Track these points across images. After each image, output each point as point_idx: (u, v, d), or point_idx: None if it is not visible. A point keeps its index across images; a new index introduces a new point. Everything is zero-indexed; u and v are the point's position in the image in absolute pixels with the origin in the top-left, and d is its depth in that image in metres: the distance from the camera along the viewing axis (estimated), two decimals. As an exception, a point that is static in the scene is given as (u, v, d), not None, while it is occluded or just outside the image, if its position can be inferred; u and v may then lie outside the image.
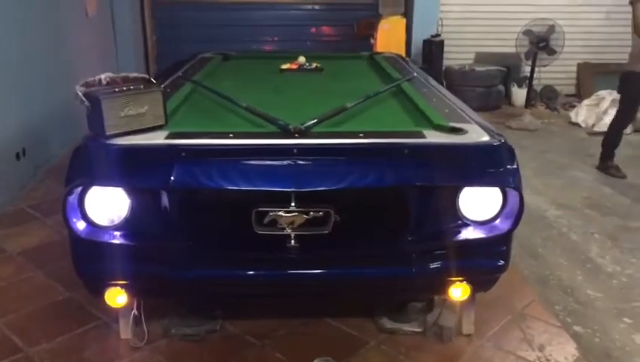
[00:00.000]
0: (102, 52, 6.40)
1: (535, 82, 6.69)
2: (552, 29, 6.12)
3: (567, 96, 7.56)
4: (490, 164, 2.18)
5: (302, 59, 3.93)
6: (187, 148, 2.10)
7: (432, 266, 2.21)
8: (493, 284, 2.41)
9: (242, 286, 2.27)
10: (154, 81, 2.35)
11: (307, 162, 2.09)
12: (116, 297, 2.28)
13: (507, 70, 7.14)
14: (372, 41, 6.95)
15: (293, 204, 2.03)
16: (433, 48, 6.87)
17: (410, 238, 2.16)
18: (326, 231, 2.07)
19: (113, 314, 2.54)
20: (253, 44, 7.50)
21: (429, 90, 3.15)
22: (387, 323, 2.62)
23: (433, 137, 2.23)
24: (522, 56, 6.37)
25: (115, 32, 6.83)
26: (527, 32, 6.20)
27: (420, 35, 7.09)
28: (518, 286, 2.99)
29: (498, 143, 2.19)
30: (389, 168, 2.11)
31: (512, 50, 7.10)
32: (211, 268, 2.19)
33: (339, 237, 2.10)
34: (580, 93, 7.45)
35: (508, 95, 7.37)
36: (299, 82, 3.51)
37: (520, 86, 7.24)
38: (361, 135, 2.21)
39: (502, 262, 2.27)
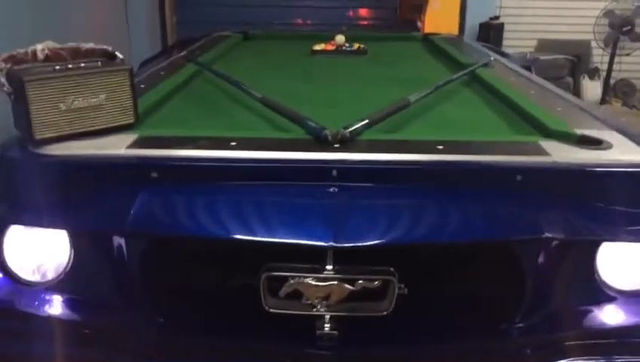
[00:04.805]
0: (110, 36, 5.62)
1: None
2: (638, 11, 5.13)
3: (644, 91, 6.52)
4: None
5: (340, 38, 3.07)
6: (161, 165, 1.29)
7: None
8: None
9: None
10: (119, 56, 1.52)
11: (354, 195, 1.25)
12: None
13: (577, 59, 6.13)
14: (419, 24, 6.04)
15: (329, 267, 1.20)
16: (491, 34, 5.91)
17: (520, 324, 1.30)
18: (384, 312, 1.23)
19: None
20: (284, 27, 6.67)
21: (519, 78, 2.27)
22: None
23: (560, 154, 1.36)
24: (600, 42, 5.38)
25: (128, 12, 6.05)
26: (607, 14, 5.21)
27: (475, 18, 6.12)
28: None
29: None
30: (492, 208, 1.26)
31: (581, 36, 6.12)
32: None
33: (405, 323, 1.26)
34: (661, 89, 6.42)
35: (576, 88, 6.36)
36: (336, 67, 2.67)
37: (592, 78, 6.22)
38: (440, 147, 1.36)
39: None
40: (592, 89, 6.09)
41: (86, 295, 1.35)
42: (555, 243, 1.24)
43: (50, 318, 1.34)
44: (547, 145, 1.40)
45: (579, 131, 1.48)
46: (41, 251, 1.36)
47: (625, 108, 6.08)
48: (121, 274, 1.29)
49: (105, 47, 1.53)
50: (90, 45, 1.52)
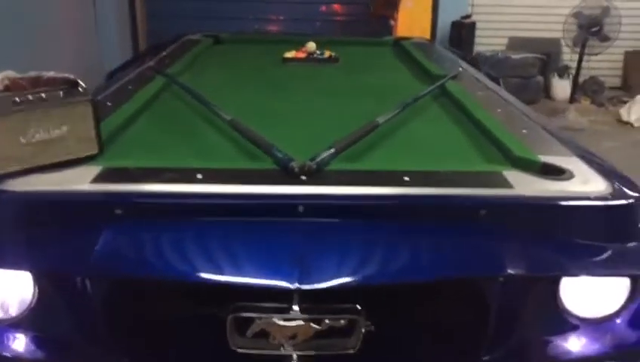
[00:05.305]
0: (76, 29, 5.48)
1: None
2: (606, 11, 5.20)
3: (611, 88, 6.64)
4: (614, 235, 1.35)
5: (311, 45, 3.05)
6: (125, 202, 1.28)
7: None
8: None
9: None
10: (82, 85, 1.49)
11: (320, 231, 1.26)
12: None
13: (547, 58, 6.21)
14: (391, 22, 6.03)
15: (295, 308, 1.20)
16: (463, 32, 5.95)
17: (486, 357, 1.32)
18: (350, 351, 1.25)
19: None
20: (256, 22, 6.62)
21: (486, 93, 2.29)
22: None
23: (523, 186, 1.38)
24: (569, 42, 5.45)
25: (95, 3, 5.90)
26: (576, 15, 5.28)
27: (448, 16, 6.15)
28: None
29: (632, 200, 1.35)
30: (456, 245, 1.27)
31: (551, 34, 6.20)
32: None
33: (373, 359, 1.27)
34: (628, 87, 6.53)
35: (546, 87, 6.45)
36: (307, 79, 2.65)
37: (562, 77, 6.31)
38: (406, 178, 1.37)
39: None
40: (562, 87, 6.18)
41: (50, 332, 1.33)
42: (517, 278, 1.26)
43: (13, 356, 1.32)
44: (510, 175, 1.42)
45: (542, 158, 1.50)
46: (3, 288, 1.33)
47: (594, 107, 6.20)
48: (85, 312, 1.27)
49: (66, 75, 1.50)
50: (52, 74, 1.48)
